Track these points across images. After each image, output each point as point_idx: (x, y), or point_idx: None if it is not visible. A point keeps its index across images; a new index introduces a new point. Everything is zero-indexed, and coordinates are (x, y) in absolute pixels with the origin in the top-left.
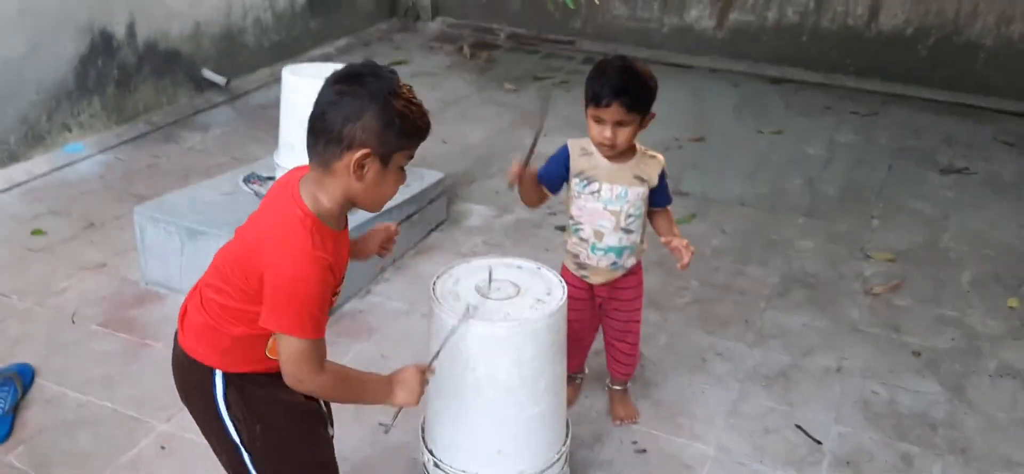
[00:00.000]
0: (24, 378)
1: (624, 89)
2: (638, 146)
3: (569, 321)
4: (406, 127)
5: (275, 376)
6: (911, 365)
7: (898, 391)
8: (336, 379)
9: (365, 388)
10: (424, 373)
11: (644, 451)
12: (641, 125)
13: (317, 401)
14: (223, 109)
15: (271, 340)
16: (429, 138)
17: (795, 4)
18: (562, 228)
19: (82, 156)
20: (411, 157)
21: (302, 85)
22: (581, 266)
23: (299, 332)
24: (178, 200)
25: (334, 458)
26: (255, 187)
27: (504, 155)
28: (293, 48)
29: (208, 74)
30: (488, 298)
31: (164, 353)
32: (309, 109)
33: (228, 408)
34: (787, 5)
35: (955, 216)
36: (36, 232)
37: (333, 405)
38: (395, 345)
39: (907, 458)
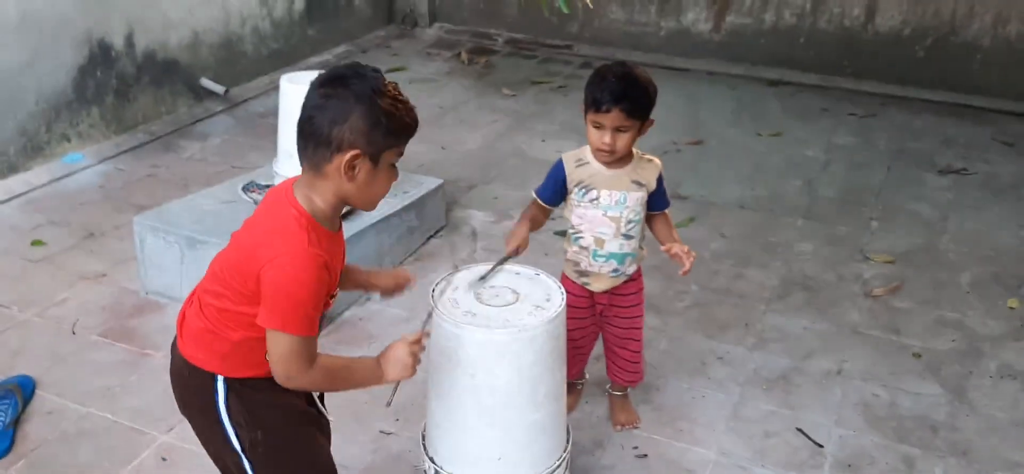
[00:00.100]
0: (25, 390)
1: (624, 95)
2: (635, 151)
3: (570, 330)
4: (393, 125)
5: (274, 381)
6: (912, 367)
7: (899, 393)
8: (326, 372)
9: (355, 375)
10: (413, 344)
11: (645, 456)
12: (640, 131)
13: (316, 407)
14: (222, 118)
15: None
16: (428, 144)
17: (792, 6)
18: (561, 233)
19: (81, 166)
20: (401, 154)
21: (300, 93)
22: (582, 274)
23: (293, 329)
24: (177, 209)
25: (333, 465)
26: (254, 196)
27: (503, 160)
28: (291, 56)
29: (207, 83)
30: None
31: (164, 363)
32: None
33: (229, 414)
34: (784, 7)
35: (954, 217)
36: (36, 243)
37: (335, 414)
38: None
39: (908, 460)
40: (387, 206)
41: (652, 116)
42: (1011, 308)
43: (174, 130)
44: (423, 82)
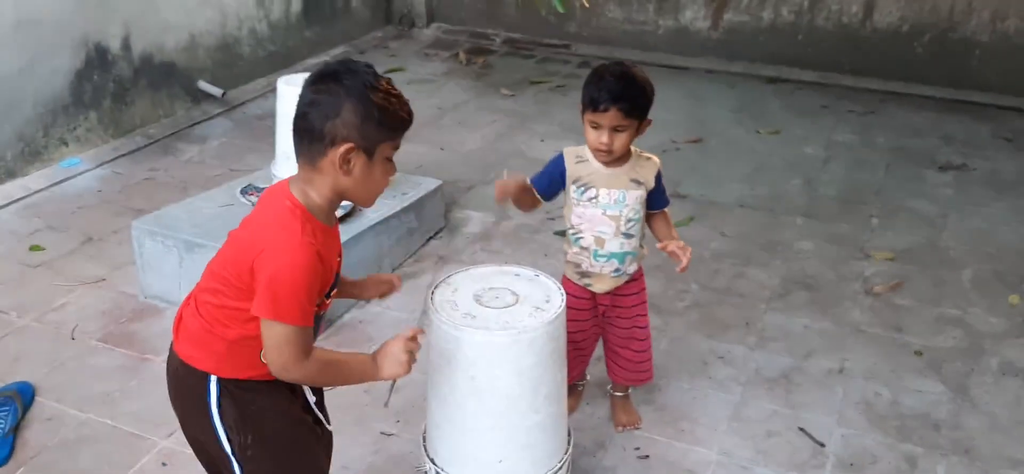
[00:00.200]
0: (24, 397)
1: (621, 95)
2: (633, 149)
3: (571, 332)
4: (386, 118)
5: (270, 384)
6: (913, 365)
7: (901, 392)
8: (322, 365)
9: (351, 370)
10: (409, 341)
11: (647, 457)
12: (638, 131)
13: (313, 415)
14: (220, 120)
15: None
16: (427, 145)
17: (790, 4)
18: (561, 233)
19: (79, 171)
20: (397, 147)
21: (297, 95)
22: (584, 275)
23: (286, 317)
24: (176, 213)
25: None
26: (252, 198)
27: (503, 162)
28: (289, 58)
29: (204, 86)
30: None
31: (164, 367)
32: None
33: (221, 415)
34: (782, 5)
35: (955, 214)
36: (34, 248)
37: (336, 415)
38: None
39: (910, 459)
40: (386, 207)
41: (651, 115)
42: (1013, 305)
43: (172, 133)
44: (421, 83)
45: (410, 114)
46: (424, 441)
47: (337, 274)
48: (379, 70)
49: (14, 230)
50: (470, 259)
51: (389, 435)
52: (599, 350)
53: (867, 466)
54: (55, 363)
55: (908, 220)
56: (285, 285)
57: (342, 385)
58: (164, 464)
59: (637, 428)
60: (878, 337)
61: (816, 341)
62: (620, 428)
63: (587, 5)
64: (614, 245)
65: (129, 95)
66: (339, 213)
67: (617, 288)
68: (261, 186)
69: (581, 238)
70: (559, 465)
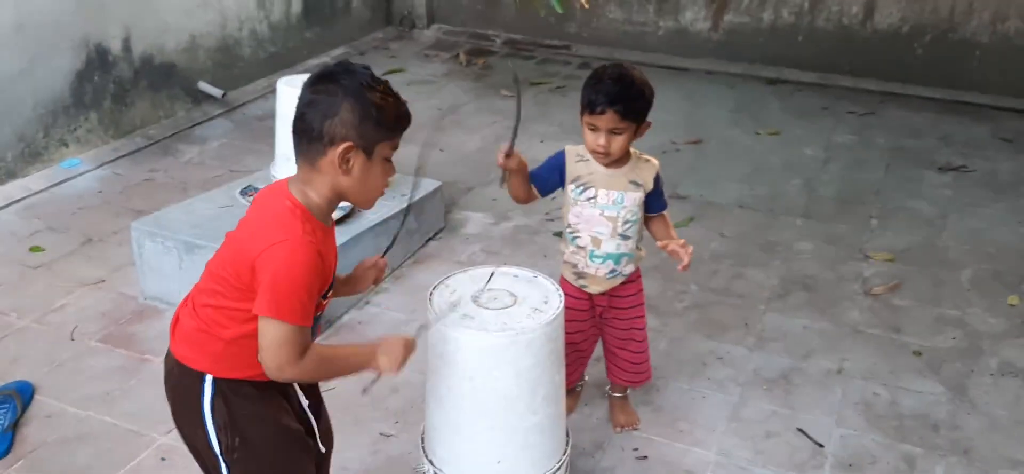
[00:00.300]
0: (23, 396)
1: (618, 97)
2: (633, 151)
3: (569, 333)
4: (384, 118)
5: (263, 388)
6: (912, 365)
7: (899, 392)
8: (319, 361)
9: (349, 362)
10: (408, 346)
11: (645, 458)
12: (636, 133)
13: (304, 425)
14: (220, 121)
15: None
16: (426, 146)
17: (790, 5)
18: (559, 235)
19: (79, 172)
20: (395, 148)
21: (297, 96)
22: (580, 275)
23: (286, 316)
24: (176, 214)
25: None
26: (252, 200)
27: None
28: (289, 59)
29: (204, 87)
30: (484, 307)
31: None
32: None
33: (213, 414)
34: (782, 6)
35: (954, 214)
36: (34, 249)
37: (335, 415)
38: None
39: (909, 459)
40: (385, 209)
41: (650, 117)
42: (1011, 305)
43: (172, 134)
44: (422, 84)
45: (407, 114)
46: (422, 442)
47: (334, 275)
48: (379, 71)
49: (14, 231)
50: (469, 260)
51: (388, 436)
52: (598, 351)
53: (866, 467)
54: (54, 363)
55: (907, 221)
56: (287, 283)
57: (338, 377)
58: (162, 459)
59: (635, 429)
60: (877, 337)
61: (815, 342)
62: (618, 429)
63: (586, 6)
64: (610, 246)
65: (129, 96)
66: (338, 214)
67: (613, 289)
68: (261, 187)
69: (578, 238)
70: (557, 466)
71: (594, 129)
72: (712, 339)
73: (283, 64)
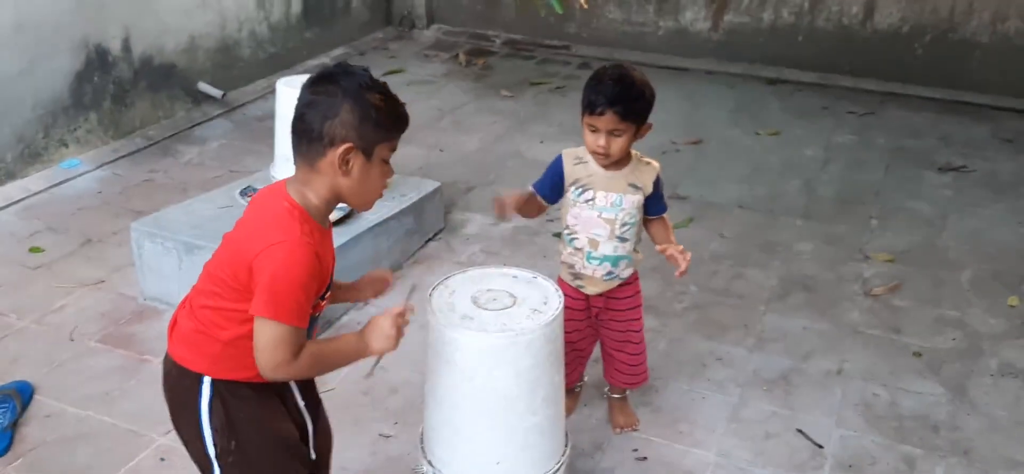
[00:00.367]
0: (23, 395)
1: (618, 98)
2: (633, 152)
3: (567, 333)
4: (383, 119)
5: (260, 391)
6: (912, 366)
7: (899, 393)
8: (312, 359)
9: (341, 355)
10: (397, 316)
11: (645, 459)
12: (637, 134)
13: (299, 436)
14: (219, 122)
15: None
16: (426, 147)
17: (790, 5)
18: (559, 235)
19: (79, 172)
20: (394, 149)
21: (297, 97)
22: (577, 276)
23: (283, 317)
24: (175, 215)
25: None
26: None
27: (502, 163)
28: (289, 59)
29: (204, 87)
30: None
31: None
32: None
33: (210, 416)
34: (782, 6)
35: (954, 215)
36: (34, 250)
37: (334, 416)
38: (393, 355)
39: (909, 460)
40: (385, 209)
41: (651, 118)
42: (1011, 306)
43: (172, 135)
44: (421, 84)
45: (406, 115)
46: (422, 442)
47: (331, 277)
48: (379, 72)
49: (14, 232)
50: (468, 261)
51: (387, 436)
52: (596, 352)
53: (866, 467)
54: (54, 364)
55: (907, 221)
56: (284, 284)
57: (332, 370)
58: (162, 459)
59: (635, 429)
60: (877, 338)
61: (815, 342)
62: (618, 430)
63: (586, 6)
64: (608, 248)
65: (129, 97)
66: (337, 215)
67: (610, 291)
68: (260, 188)
69: (575, 239)
70: (557, 467)
71: (594, 130)
72: (712, 340)
73: (283, 65)
